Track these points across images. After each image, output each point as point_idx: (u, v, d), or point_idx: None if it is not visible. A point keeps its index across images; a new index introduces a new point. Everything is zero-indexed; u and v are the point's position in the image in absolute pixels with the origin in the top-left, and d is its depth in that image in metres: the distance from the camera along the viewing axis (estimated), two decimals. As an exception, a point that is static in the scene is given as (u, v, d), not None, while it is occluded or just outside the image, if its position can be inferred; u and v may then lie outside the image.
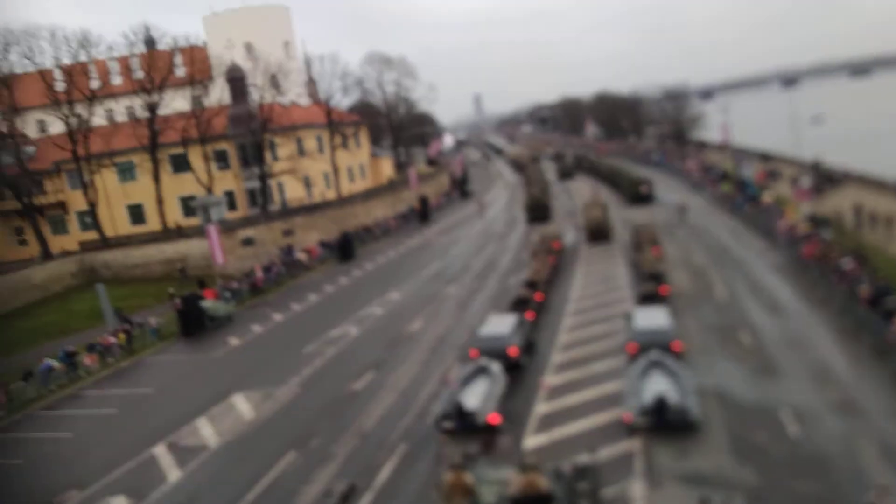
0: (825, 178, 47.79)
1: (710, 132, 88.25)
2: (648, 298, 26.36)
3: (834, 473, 15.17)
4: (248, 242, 50.38)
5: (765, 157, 65.18)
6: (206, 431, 22.07)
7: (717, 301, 28.50)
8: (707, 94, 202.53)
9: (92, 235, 54.28)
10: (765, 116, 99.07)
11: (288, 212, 55.98)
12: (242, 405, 23.95)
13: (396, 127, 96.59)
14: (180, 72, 58.53)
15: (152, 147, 53.03)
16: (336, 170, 65.81)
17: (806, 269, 30.13)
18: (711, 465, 16.06)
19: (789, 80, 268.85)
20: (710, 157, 73.09)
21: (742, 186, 49.19)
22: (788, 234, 34.33)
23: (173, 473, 19.40)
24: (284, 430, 21.39)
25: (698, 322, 25.99)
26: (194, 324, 34.89)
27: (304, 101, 71.40)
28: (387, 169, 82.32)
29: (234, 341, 32.92)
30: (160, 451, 20.97)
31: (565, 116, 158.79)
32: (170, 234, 52.32)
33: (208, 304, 36.39)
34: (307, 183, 61.95)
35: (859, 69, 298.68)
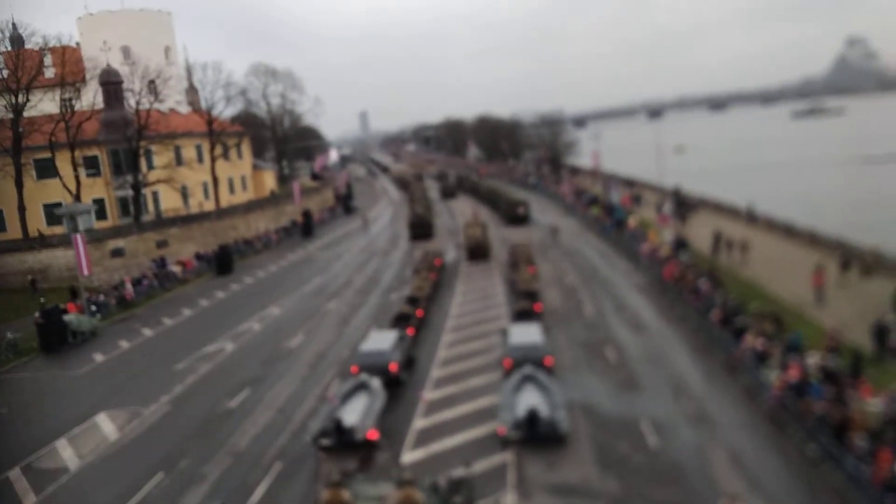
0: (684, 205, 51.50)
1: (583, 158, 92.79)
2: (523, 315, 27.42)
3: (689, 481, 16.36)
4: (117, 253, 47.88)
5: (629, 183, 69.41)
6: (67, 453, 20.81)
7: (586, 318, 30.03)
8: (580, 121, 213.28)
9: (-60, 243, 49.78)
10: (632, 145, 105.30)
11: (163, 222, 53.74)
12: (107, 425, 22.78)
13: (281, 139, 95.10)
14: (51, 73, 55.07)
15: (15, 150, 49.44)
16: (216, 180, 63.92)
17: (666, 290, 32.30)
18: (578, 475, 16.91)
19: (655, 112, 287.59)
20: (583, 181, 76.81)
21: (610, 210, 51.98)
22: (651, 256, 36.65)
23: (28, 498, 18.17)
24: (152, 451, 20.54)
25: (569, 338, 27.27)
26: (56, 339, 32.77)
27: (184, 108, 69.01)
28: (269, 181, 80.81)
29: (99, 357, 31.20)
30: (14, 475, 19.56)
31: (449, 137, 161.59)
32: (31, 243, 48.86)
33: (71, 317, 34.30)
34: (184, 193, 59.79)
35: (717, 104, 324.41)
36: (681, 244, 37.79)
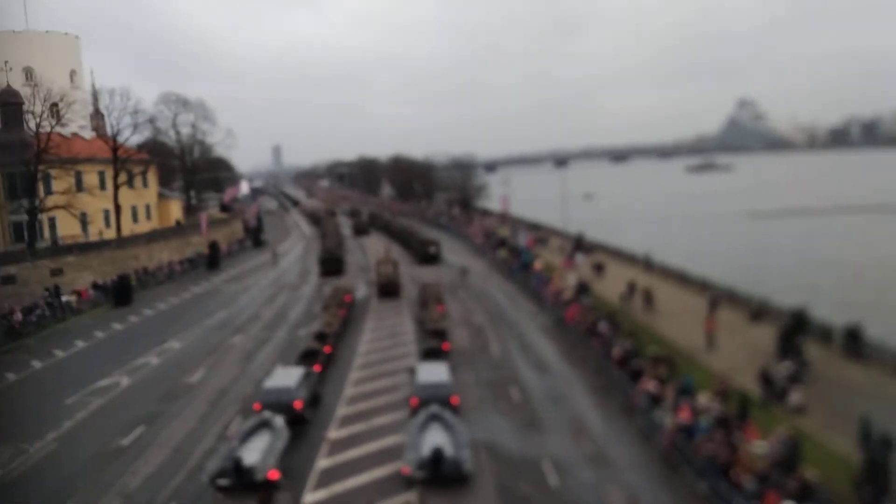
0: (584, 248, 53.62)
1: (493, 202, 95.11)
2: (431, 354, 27.65)
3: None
4: (8, 280, 45.28)
5: (535, 227, 71.70)
6: (-61, 495, 19.40)
7: (492, 358, 30.54)
8: (491, 166, 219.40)
9: None
10: (539, 191, 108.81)
11: (59, 250, 51.34)
12: (-13, 463, 21.38)
13: (189, 169, 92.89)
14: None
15: None
16: (118, 208, 61.65)
17: (568, 332, 33.29)
18: (480, 514, 17.12)
19: (561, 161, 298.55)
20: (492, 224, 78.49)
21: (517, 253, 53.30)
22: (555, 298, 37.78)
23: None
24: (36, 491, 19.42)
25: (475, 377, 27.65)
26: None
27: (89, 133, 66.60)
28: (175, 211, 78.58)
29: (-20, 391, 29.32)
30: None
31: (362, 175, 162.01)
32: None
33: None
34: (84, 220, 57.37)
35: (618, 156, 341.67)
36: (583, 288, 39.11)
